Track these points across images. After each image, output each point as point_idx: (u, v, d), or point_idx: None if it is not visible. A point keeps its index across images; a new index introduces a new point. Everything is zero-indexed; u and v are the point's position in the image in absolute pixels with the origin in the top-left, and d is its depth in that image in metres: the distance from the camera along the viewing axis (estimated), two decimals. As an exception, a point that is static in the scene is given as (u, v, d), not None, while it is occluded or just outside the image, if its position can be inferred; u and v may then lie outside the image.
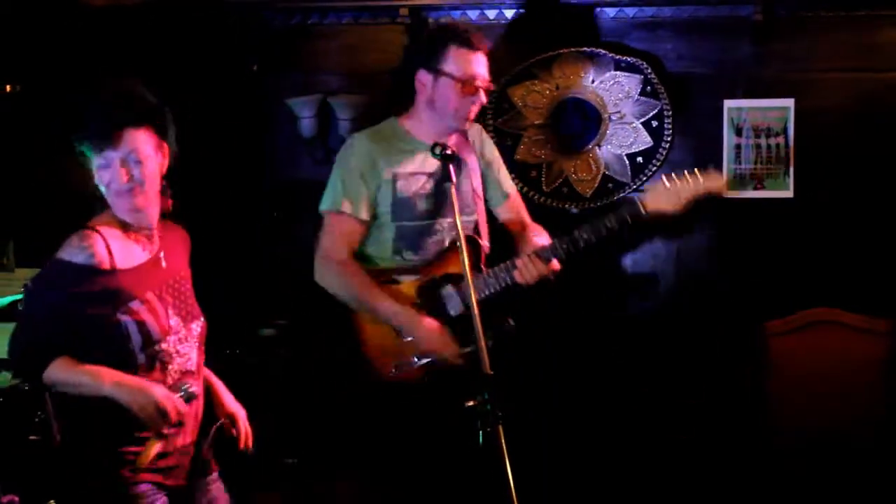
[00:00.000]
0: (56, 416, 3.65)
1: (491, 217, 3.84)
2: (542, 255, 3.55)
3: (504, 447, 2.62)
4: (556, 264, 3.56)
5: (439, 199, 3.62)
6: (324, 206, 3.64)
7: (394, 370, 3.54)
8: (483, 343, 2.75)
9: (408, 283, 3.60)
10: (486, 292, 3.57)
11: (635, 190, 4.69)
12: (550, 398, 4.63)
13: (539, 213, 4.00)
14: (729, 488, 4.47)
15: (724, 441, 4.53)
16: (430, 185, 3.61)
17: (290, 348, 4.69)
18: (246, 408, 3.11)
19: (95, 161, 2.72)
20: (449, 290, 3.59)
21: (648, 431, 4.65)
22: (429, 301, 3.57)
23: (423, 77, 3.57)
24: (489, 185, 3.81)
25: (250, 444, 3.05)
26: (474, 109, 3.59)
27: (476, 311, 2.79)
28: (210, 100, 4.85)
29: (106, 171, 2.73)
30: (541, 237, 3.69)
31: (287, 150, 5.00)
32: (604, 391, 4.66)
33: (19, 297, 3.82)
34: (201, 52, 4.90)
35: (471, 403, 2.70)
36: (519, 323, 3.54)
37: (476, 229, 3.75)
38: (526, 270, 3.54)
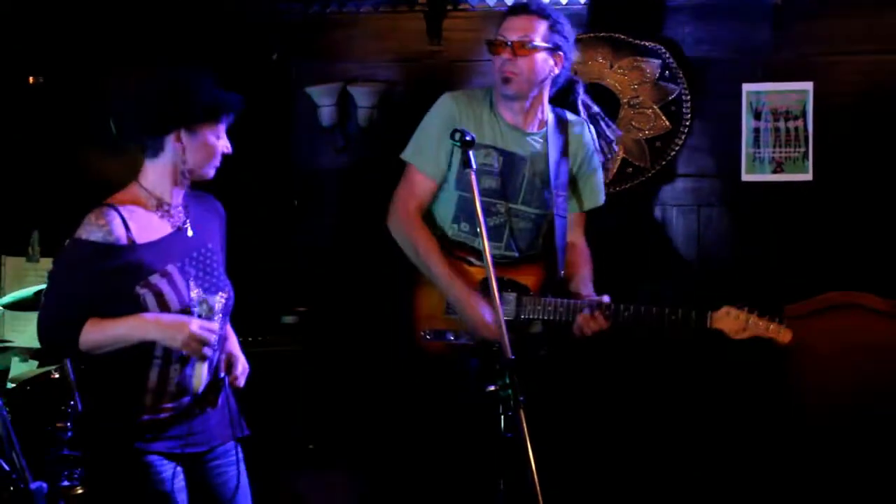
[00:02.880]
0: (79, 388, 3.73)
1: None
2: (607, 313, 3.51)
3: (526, 431, 2.64)
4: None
5: (506, 180, 3.62)
6: (404, 153, 3.69)
7: (427, 336, 3.60)
8: (504, 327, 2.77)
9: (477, 269, 3.60)
10: (537, 317, 3.58)
11: (655, 174, 4.70)
12: (573, 379, 4.64)
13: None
14: (751, 470, 4.49)
15: (746, 423, 4.53)
16: (499, 162, 3.61)
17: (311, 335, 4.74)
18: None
19: (217, 129, 2.87)
20: (508, 295, 3.58)
21: (669, 414, 4.65)
22: (484, 297, 3.54)
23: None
24: (570, 190, 3.75)
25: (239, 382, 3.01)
26: (506, 70, 3.54)
27: (496, 292, 2.80)
28: (230, 89, 4.87)
29: (224, 138, 2.90)
30: (589, 287, 3.66)
31: (307, 138, 5.02)
32: (624, 375, 4.67)
33: (45, 286, 3.86)
34: (221, 41, 4.92)
35: (492, 388, 2.72)
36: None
37: (546, 230, 3.72)
38: (587, 324, 3.52)
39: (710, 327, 3.52)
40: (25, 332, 4.31)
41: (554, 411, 3.55)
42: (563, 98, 3.77)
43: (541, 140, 3.65)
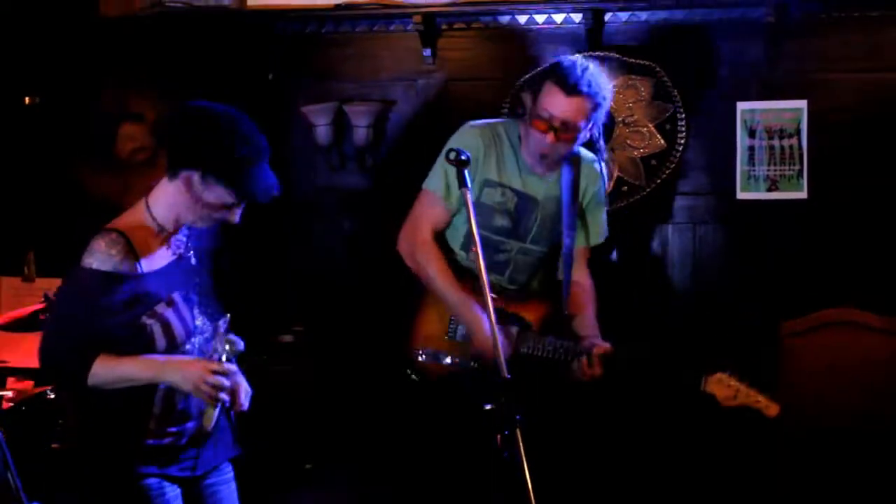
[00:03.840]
0: (74, 411, 3.69)
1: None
2: (606, 359, 3.53)
3: (522, 450, 2.63)
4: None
5: (518, 221, 3.67)
6: (425, 183, 3.71)
7: (422, 356, 3.60)
8: (500, 345, 2.77)
9: None
10: (536, 354, 3.59)
11: (650, 192, 4.71)
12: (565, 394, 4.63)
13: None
14: (741, 488, 4.48)
15: (738, 441, 4.52)
16: (513, 203, 3.66)
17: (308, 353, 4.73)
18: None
19: (234, 210, 2.84)
20: (510, 328, 3.61)
21: (661, 430, 4.64)
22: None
23: (525, 98, 3.64)
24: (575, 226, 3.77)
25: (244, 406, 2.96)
26: (545, 150, 3.55)
27: (492, 310, 2.80)
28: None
29: (236, 213, 2.87)
30: (593, 328, 3.67)
31: (303, 157, 5.03)
32: (617, 389, 4.65)
33: (40, 307, 3.86)
34: (217, 60, 4.94)
35: (489, 407, 2.71)
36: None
37: (548, 265, 3.76)
38: (586, 368, 3.54)
39: (702, 389, 3.52)
40: (21, 351, 4.31)
41: (552, 428, 3.54)
42: None
43: (554, 181, 3.69)
